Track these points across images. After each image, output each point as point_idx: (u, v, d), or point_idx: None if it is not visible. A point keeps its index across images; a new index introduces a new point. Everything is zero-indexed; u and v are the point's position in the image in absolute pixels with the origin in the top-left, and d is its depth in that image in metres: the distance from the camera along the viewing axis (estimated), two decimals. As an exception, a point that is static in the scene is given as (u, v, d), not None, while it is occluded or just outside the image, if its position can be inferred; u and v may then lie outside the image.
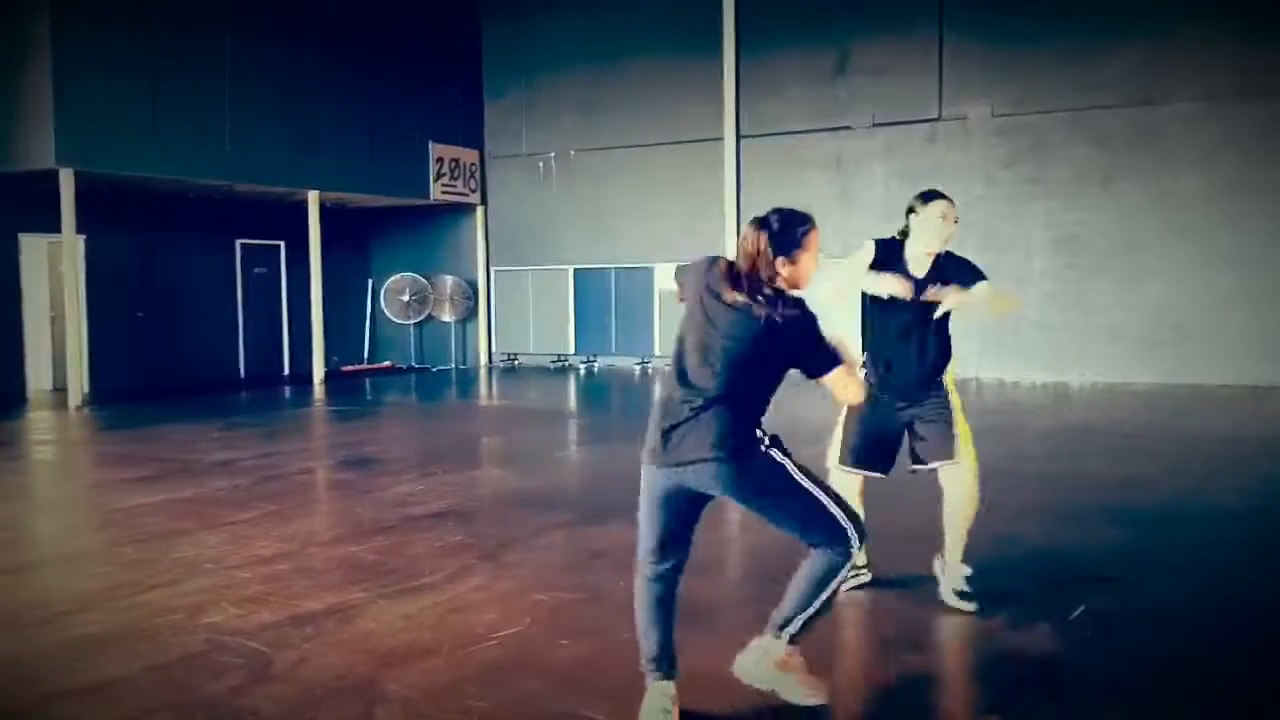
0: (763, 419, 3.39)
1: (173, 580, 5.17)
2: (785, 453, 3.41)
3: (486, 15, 17.79)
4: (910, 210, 4.61)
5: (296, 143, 14.71)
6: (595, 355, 17.10)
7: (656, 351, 16.41)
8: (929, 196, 4.59)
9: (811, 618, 3.47)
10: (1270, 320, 12.65)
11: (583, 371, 16.71)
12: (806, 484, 3.40)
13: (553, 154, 17.31)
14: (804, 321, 3.29)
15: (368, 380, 16.18)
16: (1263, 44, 12.66)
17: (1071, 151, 13.72)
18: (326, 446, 10.11)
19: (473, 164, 17.63)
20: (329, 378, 15.58)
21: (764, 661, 3.48)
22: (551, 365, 17.38)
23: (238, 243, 16.39)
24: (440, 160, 16.98)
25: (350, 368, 17.21)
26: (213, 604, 4.76)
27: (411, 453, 9.57)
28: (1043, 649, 4.10)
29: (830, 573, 3.44)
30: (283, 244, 16.73)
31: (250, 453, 9.01)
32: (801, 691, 3.45)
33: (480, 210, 17.90)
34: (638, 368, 16.51)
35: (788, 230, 3.34)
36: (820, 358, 3.32)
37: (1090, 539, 5.70)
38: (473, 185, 17.67)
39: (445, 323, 17.99)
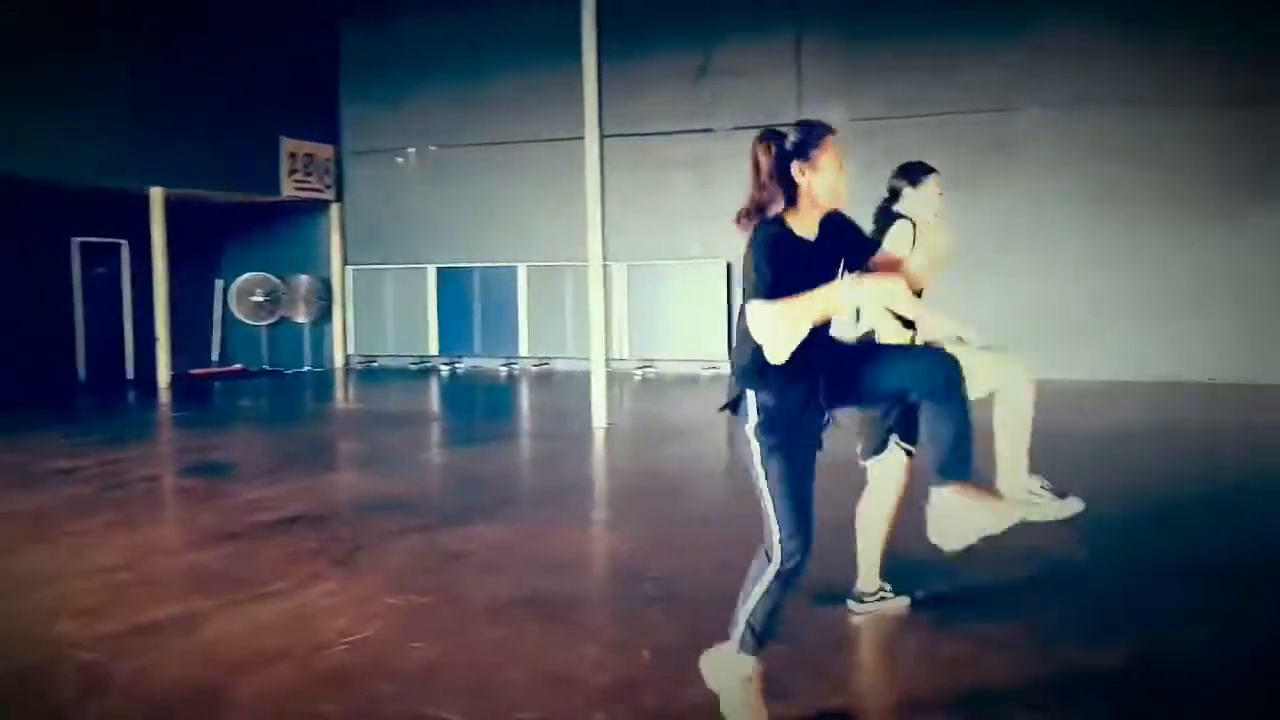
0: (765, 378, 3.12)
1: (5, 592, 4.90)
2: (768, 429, 3.15)
3: (343, 10, 17.39)
4: (897, 191, 4.32)
5: (138, 137, 14.06)
6: (459, 357, 16.89)
7: (523, 352, 16.31)
8: (922, 170, 4.28)
9: (753, 629, 3.24)
10: (1116, 317, 13.24)
11: (445, 373, 16.49)
12: (760, 478, 3.19)
13: (412, 150, 17.04)
14: (754, 233, 3.09)
15: (217, 384, 15.63)
16: (1119, 56, 13.27)
17: (928, 155, 14.07)
18: (172, 452, 9.72)
19: (327, 160, 17.20)
20: (175, 381, 14.99)
21: (722, 666, 3.33)
22: (413, 367, 17.09)
23: (75, 241, 15.60)
24: (293, 156, 16.51)
25: (199, 371, 16.58)
26: (50, 616, 4.53)
27: (262, 458, 9.28)
28: (894, 634, 4.22)
29: (757, 578, 3.26)
30: (125, 242, 16.01)
31: (91, 460, 8.58)
32: (737, 711, 3.27)
33: (336, 207, 17.47)
34: (504, 369, 16.38)
35: (802, 134, 3.16)
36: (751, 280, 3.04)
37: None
38: (327, 181, 17.24)
39: (299, 324, 17.50)
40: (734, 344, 3.28)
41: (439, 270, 16.77)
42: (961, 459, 3.13)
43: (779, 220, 3.13)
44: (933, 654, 4.01)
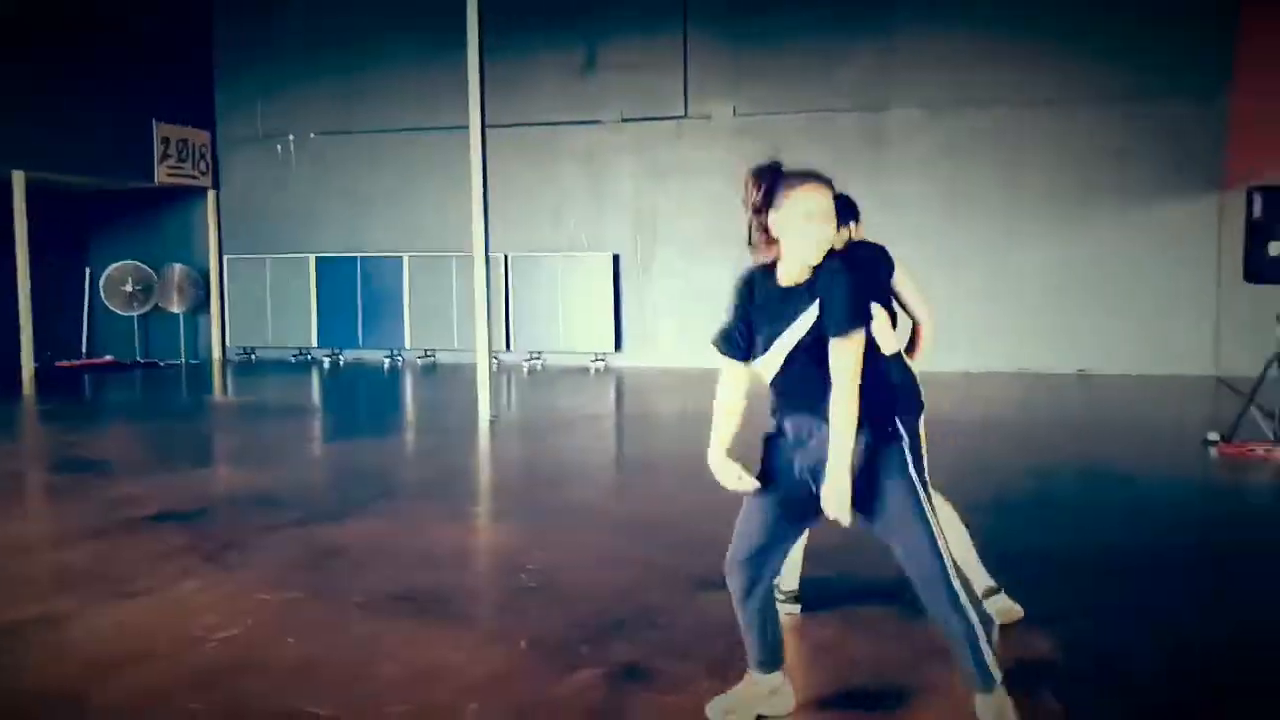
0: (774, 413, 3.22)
1: None
2: (765, 446, 3.23)
3: (219, -10, 16.90)
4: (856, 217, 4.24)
5: (-2, 117, 13.47)
6: (341, 349, 16.57)
7: (407, 345, 16.08)
8: (852, 213, 4.22)
9: (748, 645, 3.39)
10: (980, 311, 13.72)
11: (327, 365, 16.18)
12: None
13: (291, 137, 16.65)
14: None
15: (86, 377, 15.05)
16: (986, 58, 13.71)
17: (806, 152, 14.37)
18: (37, 448, 9.35)
19: (203, 145, 16.69)
20: (40, 374, 14.38)
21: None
22: (293, 359, 16.72)
23: (-72, 227, 14.85)
24: (166, 140, 15.97)
25: (66, 364, 15.95)
26: (-109, 621, 4.32)
27: (132, 452, 8.97)
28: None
29: None
30: (-16, 229, 15.29)
31: (-56, 456, 8.21)
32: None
33: (212, 194, 16.98)
34: (387, 361, 16.14)
35: (782, 176, 3.13)
36: None
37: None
38: (203, 167, 16.73)
39: (174, 314, 16.96)
40: None
41: (320, 260, 16.42)
42: (979, 665, 3.10)
43: (760, 268, 3.21)
44: (804, 636, 4.10)
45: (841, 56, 14.22)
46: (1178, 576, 4.95)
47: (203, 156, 16.70)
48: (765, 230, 3.11)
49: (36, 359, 14.53)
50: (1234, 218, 8.73)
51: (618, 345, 15.16)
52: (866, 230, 4.38)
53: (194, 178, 16.58)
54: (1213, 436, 8.27)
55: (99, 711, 3.45)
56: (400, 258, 15.95)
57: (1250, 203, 8.21)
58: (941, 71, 13.90)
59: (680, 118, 14.98)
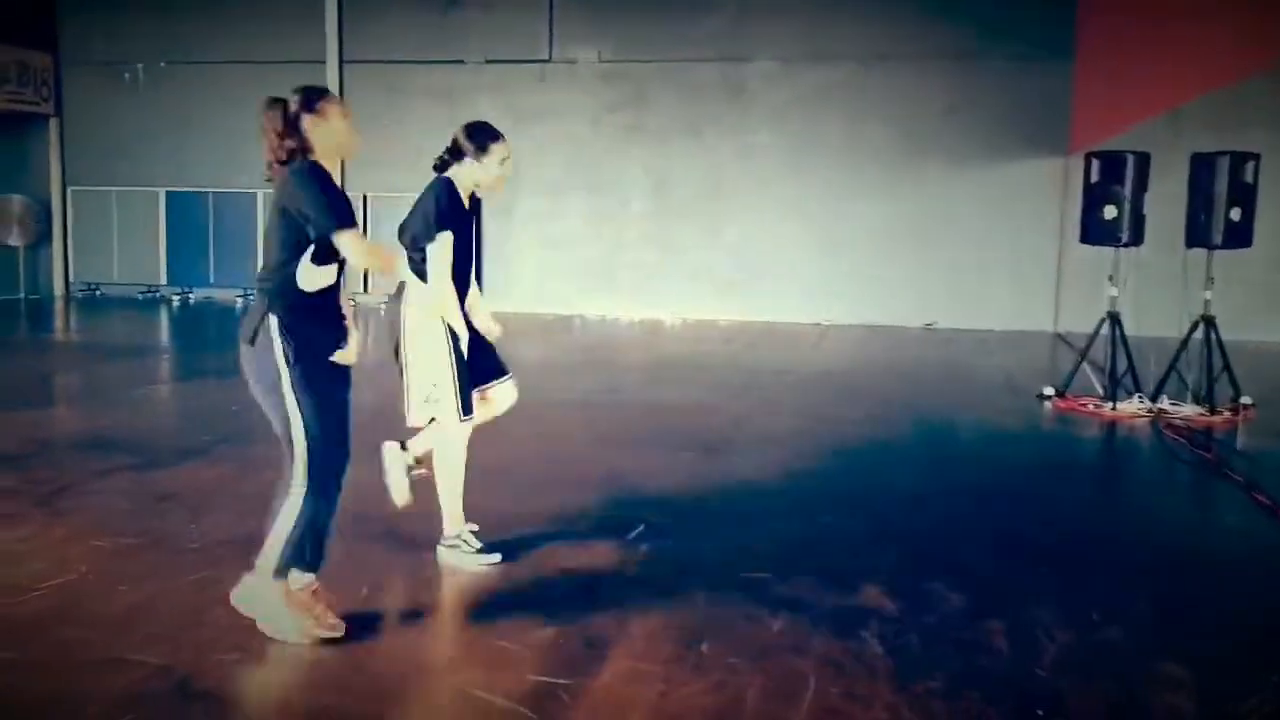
0: (288, 300, 3.37)
1: None
2: (296, 357, 3.37)
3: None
4: (460, 152, 4.39)
5: None
6: (190, 287, 16.01)
7: (259, 283, 15.63)
8: (490, 136, 4.36)
9: (298, 556, 3.52)
10: (830, 264, 14.12)
11: (176, 303, 15.63)
12: (292, 405, 3.47)
13: (140, 65, 15.87)
14: (299, 174, 3.41)
15: (-86, 310, 14.22)
16: (842, 13, 13.95)
17: (667, 101, 14.49)
18: None
19: (45, 70, 15.78)
20: None
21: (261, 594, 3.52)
22: (140, 296, 16.10)
23: None
24: (3, 64, 15.04)
25: (-108, 296, 15.03)
26: None
27: (-38, 392, 8.54)
28: (607, 564, 4.41)
29: (293, 513, 3.51)
30: None
31: None
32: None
33: (54, 122, 16.10)
34: (239, 300, 15.67)
35: (305, 95, 3.71)
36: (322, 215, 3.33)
37: (661, 462, 6.15)
38: (45, 93, 15.83)
39: (13, 247, 16.10)
40: (261, 268, 3.51)
41: (170, 194, 15.80)
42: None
43: (313, 161, 3.48)
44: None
45: (706, 7, 14.29)
46: (985, 516, 5.26)
47: (44, 81, 15.80)
48: (301, 138, 3.49)
49: None
50: (1078, 180, 9.17)
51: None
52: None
53: (34, 104, 15.68)
54: (1048, 391, 8.73)
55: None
56: (254, 194, 15.45)
57: (1088, 167, 8.64)
58: (798, 25, 14.12)
59: (545, 61, 14.82)
